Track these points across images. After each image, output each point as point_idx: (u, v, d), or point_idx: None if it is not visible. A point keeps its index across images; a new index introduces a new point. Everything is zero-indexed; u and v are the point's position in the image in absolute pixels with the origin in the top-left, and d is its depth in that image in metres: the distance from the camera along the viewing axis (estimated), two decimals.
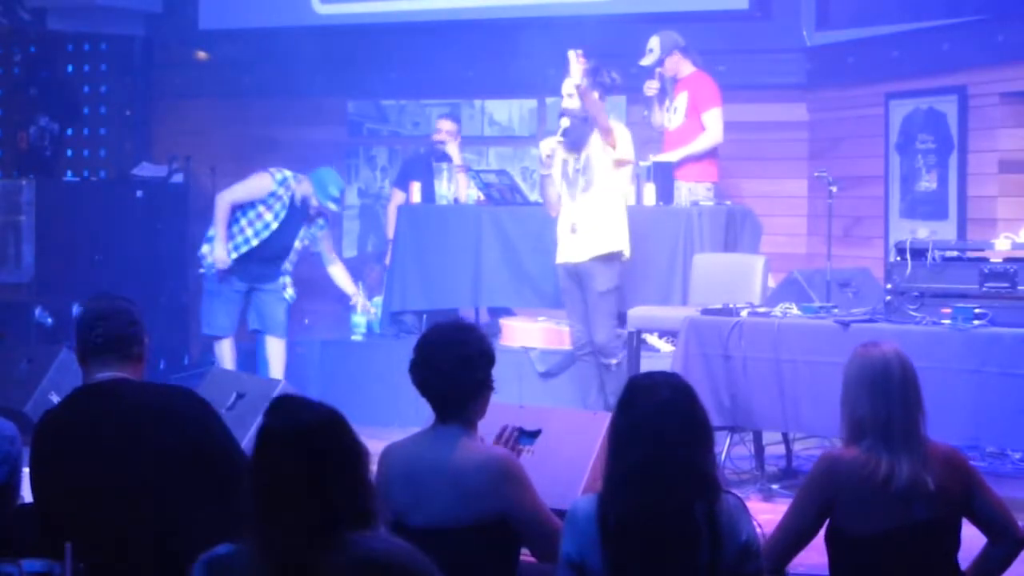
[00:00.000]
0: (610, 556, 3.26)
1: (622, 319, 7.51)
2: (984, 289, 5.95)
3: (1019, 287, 5.88)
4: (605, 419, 4.90)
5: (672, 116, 8.66)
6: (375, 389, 8.27)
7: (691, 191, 8.38)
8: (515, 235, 8.37)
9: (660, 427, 3.25)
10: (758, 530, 3.40)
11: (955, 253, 6.21)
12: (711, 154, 8.58)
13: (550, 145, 7.42)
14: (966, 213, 8.54)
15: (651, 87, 8.66)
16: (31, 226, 9.79)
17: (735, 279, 7.33)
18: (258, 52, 10.76)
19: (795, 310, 6.48)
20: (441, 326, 4.01)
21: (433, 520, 3.76)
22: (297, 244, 8.50)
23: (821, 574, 3.91)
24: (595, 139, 7.36)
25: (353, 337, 8.99)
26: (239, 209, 8.37)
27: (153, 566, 3.55)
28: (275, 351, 8.48)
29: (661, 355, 7.73)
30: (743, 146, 9.35)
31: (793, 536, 3.80)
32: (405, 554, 2.80)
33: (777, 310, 6.50)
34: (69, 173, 11.25)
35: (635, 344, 7.30)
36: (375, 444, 4.14)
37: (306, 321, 9.50)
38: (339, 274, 8.76)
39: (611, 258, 7.39)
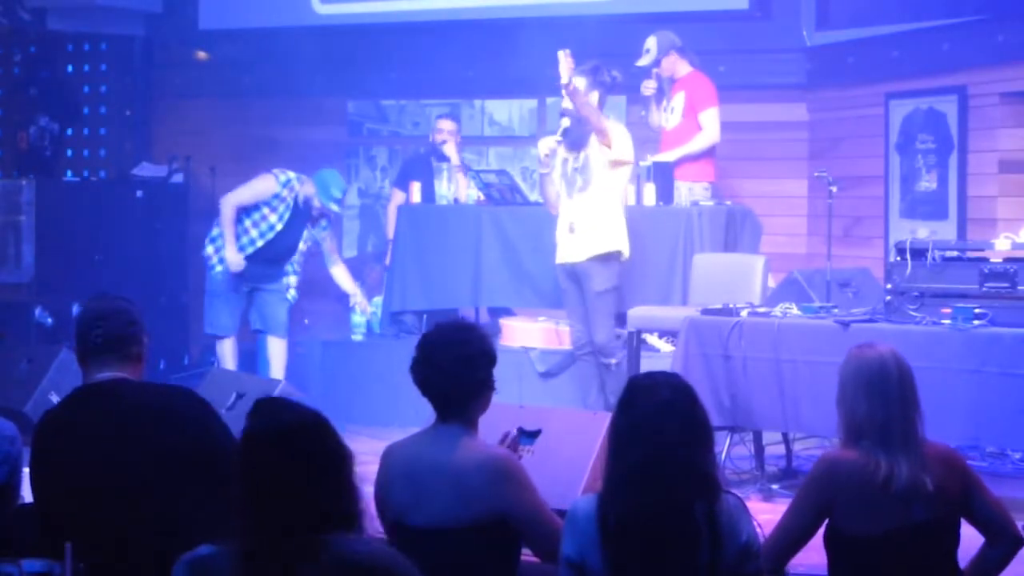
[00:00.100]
0: (610, 556, 3.26)
1: (622, 319, 7.51)
2: (984, 289, 5.94)
3: (1019, 287, 5.88)
4: (605, 419, 4.91)
5: (669, 116, 8.66)
6: (375, 389, 8.28)
7: (691, 191, 8.39)
8: (515, 235, 8.37)
9: (660, 427, 3.25)
10: (758, 530, 3.41)
11: (955, 253, 6.21)
12: (708, 154, 8.58)
13: (548, 144, 7.42)
14: (966, 213, 8.54)
15: (648, 87, 8.68)
16: (31, 226, 9.79)
17: (735, 279, 7.33)
18: (258, 52, 10.76)
19: (795, 310, 6.48)
20: (443, 325, 4.02)
21: (433, 520, 3.76)
22: (302, 246, 8.53)
23: (821, 574, 3.91)
24: (594, 139, 7.35)
25: (353, 337, 8.99)
26: (243, 211, 8.39)
27: (153, 566, 3.55)
28: (276, 351, 8.50)
29: (661, 355, 7.73)
30: (743, 146, 9.36)
31: (791, 536, 3.80)
32: (387, 557, 2.80)
33: (777, 310, 6.50)
34: (69, 173, 11.25)
35: (635, 344, 7.29)
36: (375, 444, 4.15)
37: (306, 321, 9.50)
38: (341, 275, 8.78)
39: (609, 258, 7.39)
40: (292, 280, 8.57)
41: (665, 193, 8.18)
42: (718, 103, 8.54)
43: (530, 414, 5.31)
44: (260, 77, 10.84)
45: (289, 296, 8.56)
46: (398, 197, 9.45)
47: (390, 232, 9.27)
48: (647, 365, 6.90)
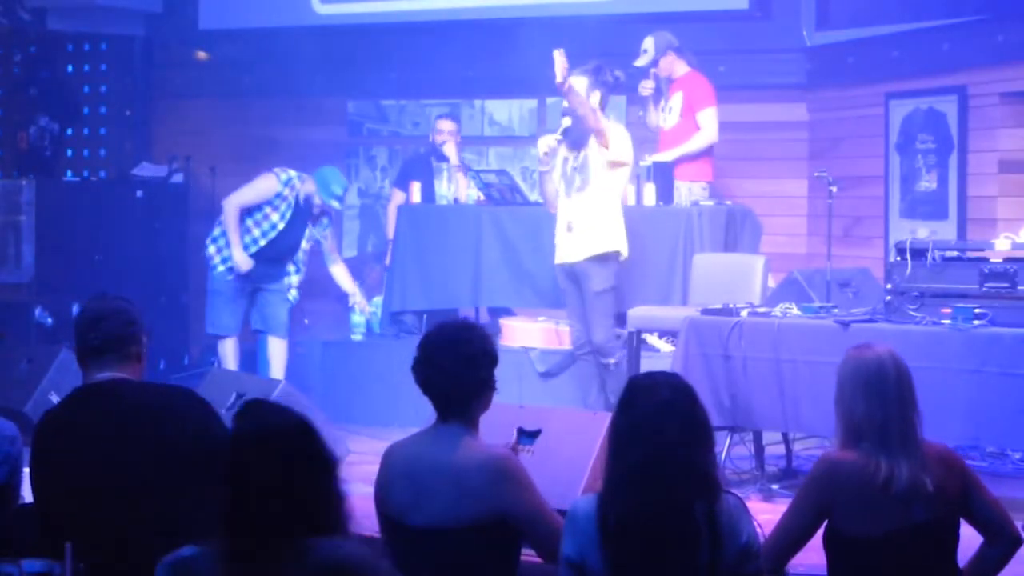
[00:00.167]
0: (610, 556, 3.26)
1: (621, 319, 7.51)
2: (984, 289, 5.94)
3: (1019, 287, 5.88)
4: (605, 419, 4.91)
5: (667, 116, 8.67)
6: (375, 389, 8.28)
7: (691, 191, 8.39)
8: (515, 235, 8.37)
9: (660, 427, 3.25)
10: (758, 530, 3.41)
11: (955, 253, 6.21)
12: (706, 153, 8.58)
13: (548, 142, 7.41)
14: (966, 213, 8.54)
15: (646, 87, 8.68)
16: (31, 226, 9.79)
17: (735, 279, 7.32)
18: (258, 52, 10.76)
19: (795, 310, 6.48)
20: (445, 325, 4.02)
21: (433, 519, 3.76)
22: (304, 244, 8.53)
23: (821, 574, 3.91)
24: (593, 139, 7.35)
25: (353, 337, 8.99)
26: (245, 211, 8.39)
27: (153, 566, 3.55)
28: (276, 351, 8.50)
29: (661, 355, 7.73)
30: (743, 146, 9.36)
31: (791, 537, 3.80)
32: (368, 560, 2.80)
33: (777, 310, 6.50)
34: (69, 173, 11.24)
35: (635, 344, 7.29)
36: (375, 444, 4.17)
37: (306, 321, 9.51)
38: (341, 274, 8.79)
39: (607, 258, 7.38)
40: (294, 280, 8.56)
41: (665, 193, 8.18)
42: (716, 103, 8.54)
43: (530, 414, 5.31)
44: (260, 77, 10.84)
45: (290, 297, 8.56)
46: (398, 197, 9.45)
47: (390, 232, 9.27)
48: (647, 365, 6.90)
